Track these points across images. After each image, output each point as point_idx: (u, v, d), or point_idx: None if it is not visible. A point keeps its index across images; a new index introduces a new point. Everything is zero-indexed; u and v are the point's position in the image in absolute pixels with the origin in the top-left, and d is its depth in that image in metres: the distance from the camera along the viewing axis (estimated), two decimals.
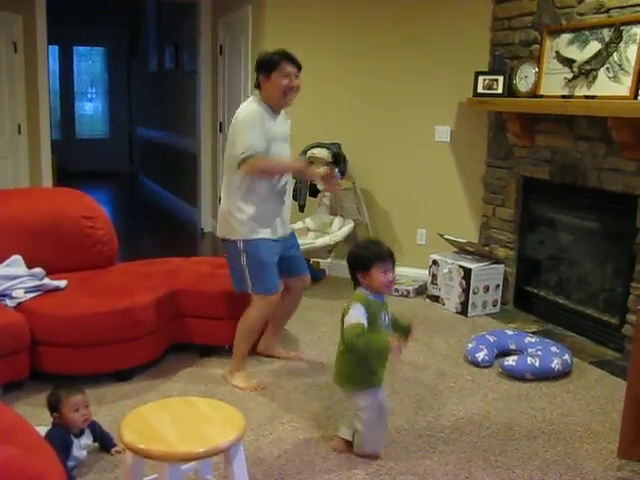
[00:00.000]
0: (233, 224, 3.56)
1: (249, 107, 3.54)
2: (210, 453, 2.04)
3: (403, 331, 2.96)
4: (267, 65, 3.52)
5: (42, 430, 2.65)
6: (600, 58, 4.11)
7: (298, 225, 5.38)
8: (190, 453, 2.02)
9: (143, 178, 11.85)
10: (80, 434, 2.79)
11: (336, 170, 3.82)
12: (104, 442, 2.91)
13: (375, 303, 2.83)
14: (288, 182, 3.71)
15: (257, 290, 3.56)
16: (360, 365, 2.85)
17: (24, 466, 1.58)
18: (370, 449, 2.94)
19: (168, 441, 2.03)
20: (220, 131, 7.25)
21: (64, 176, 8.99)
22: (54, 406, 2.77)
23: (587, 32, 4.22)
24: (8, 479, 1.53)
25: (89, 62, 12.61)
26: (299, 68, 3.55)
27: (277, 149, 3.56)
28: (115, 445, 2.89)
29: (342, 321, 2.83)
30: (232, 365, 3.70)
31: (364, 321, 2.75)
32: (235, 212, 3.54)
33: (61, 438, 2.69)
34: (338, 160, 5.27)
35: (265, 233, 3.55)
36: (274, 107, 3.57)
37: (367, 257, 2.84)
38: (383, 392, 2.96)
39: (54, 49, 11.58)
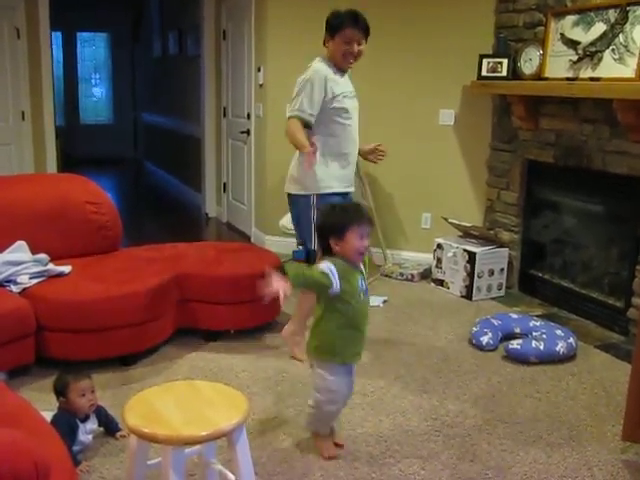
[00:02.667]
0: (304, 179, 3.59)
1: (314, 66, 3.58)
2: (213, 436, 2.05)
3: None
4: (332, 26, 3.56)
5: (48, 415, 2.66)
6: (605, 39, 4.08)
7: None
8: (194, 437, 2.02)
9: (148, 163, 11.85)
10: (86, 419, 2.80)
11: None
12: (109, 427, 2.93)
13: (350, 268, 2.63)
14: (353, 127, 3.69)
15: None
16: (329, 333, 2.69)
17: (29, 449, 1.58)
18: (313, 429, 2.89)
19: (172, 425, 2.04)
20: (224, 116, 7.24)
21: (69, 162, 9.00)
22: (60, 391, 2.78)
23: (592, 13, 4.19)
24: (13, 462, 1.54)
25: (93, 48, 12.57)
26: (366, 32, 3.57)
27: (350, 104, 3.63)
28: (120, 430, 2.91)
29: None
30: (292, 324, 3.73)
31: (328, 273, 2.55)
32: (297, 167, 3.61)
33: (67, 423, 2.70)
34: None
35: (335, 187, 3.60)
36: (339, 67, 3.61)
37: (342, 220, 2.61)
38: (348, 378, 2.79)
39: (57, 35, 11.56)
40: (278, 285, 2.50)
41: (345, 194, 3.72)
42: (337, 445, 2.88)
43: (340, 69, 3.63)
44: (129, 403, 2.19)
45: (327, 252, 2.68)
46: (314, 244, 3.58)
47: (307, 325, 3.65)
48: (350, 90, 3.68)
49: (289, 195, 3.73)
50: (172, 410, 2.12)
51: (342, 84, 3.62)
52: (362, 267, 2.76)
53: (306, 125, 3.54)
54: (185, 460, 2.16)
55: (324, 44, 3.64)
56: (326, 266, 2.58)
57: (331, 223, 2.67)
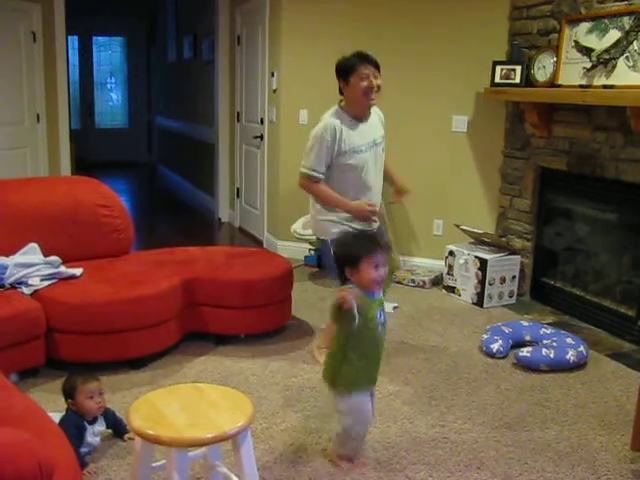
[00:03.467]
0: (321, 225, 3.69)
1: (326, 121, 3.58)
2: (218, 439, 2.05)
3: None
4: (344, 70, 3.55)
5: (56, 416, 2.68)
6: (620, 47, 4.05)
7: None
8: (198, 439, 2.03)
9: (162, 168, 11.91)
10: (94, 421, 2.81)
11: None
12: (117, 429, 2.94)
13: (368, 300, 2.58)
14: (368, 174, 3.67)
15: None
16: (343, 364, 2.65)
17: (33, 450, 1.59)
18: (344, 453, 2.80)
19: (176, 427, 2.04)
20: (238, 121, 7.27)
21: (83, 166, 9.06)
22: (69, 393, 2.80)
23: (607, 20, 4.17)
24: (16, 462, 1.55)
25: (108, 52, 12.66)
26: (377, 67, 3.56)
27: (363, 158, 3.61)
28: (128, 432, 2.91)
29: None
30: (320, 340, 3.70)
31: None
32: (320, 215, 3.68)
33: (75, 424, 2.72)
34: None
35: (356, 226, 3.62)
36: (358, 113, 3.61)
37: (355, 252, 2.57)
38: (368, 398, 2.74)
39: (73, 39, 11.65)
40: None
41: None
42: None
43: (360, 115, 3.62)
44: (134, 405, 2.19)
45: (343, 280, 2.63)
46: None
47: None
48: (366, 142, 3.63)
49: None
50: (177, 412, 2.13)
51: (357, 136, 3.59)
52: (381, 297, 2.71)
53: (316, 181, 3.61)
54: (189, 462, 2.16)
55: (340, 93, 3.62)
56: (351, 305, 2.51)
57: (344, 254, 2.64)
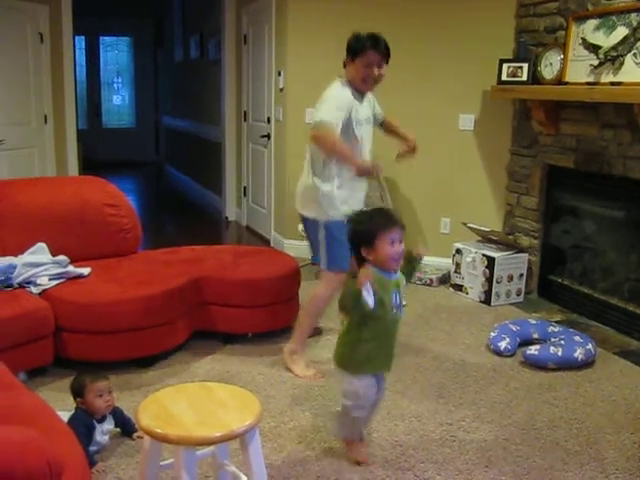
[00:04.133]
0: (313, 201, 3.57)
1: (338, 91, 3.50)
2: (226, 438, 2.05)
3: (411, 257, 2.69)
4: (354, 49, 3.49)
5: (65, 415, 2.68)
6: (627, 44, 4.04)
7: None
8: (206, 437, 2.03)
9: (169, 167, 11.93)
10: (102, 419, 2.82)
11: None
12: (126, 427, 2.95)
13: (383, 279, 2.53)
14: (364, 150, 3.63)
15: (331, 266, 3.55)
16: (354, 344, 2.64)
17: (42, 448, 1.60)
18: (342, 435, 2.83)
19: (184, 425, 2.04)
20: (244, 120, 7.27)
21: (91, 166, 9.08)
22: (78, 392, 2.81)
23: (614, 17, 4.15)
24: (26, 461, 1.55)
25: (115, 52, 12.69)
26: (386, 56, 3.51)
27: (361, 132, 3.56)
28: (136, 430, 2.92)
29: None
30: (294, 345, 3.71)
31: (365, 293, 2.42)
32: (314, 190, 3.55)
33: (84, 423, 2.72)
34: None
35: (344, 211, 3.49)
36: (357, 90, 3.56)
37: (369, 229, 2.51)
38: (376, 382, 2.71)
39: (81, 39, 11.68)
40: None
41: None
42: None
43: (359, 92, 3.57)
44: (143, 403, 2.20)
45: (362, 261, 2.56)
46: (322, 263, 3.60)
47: (306, 344, 3.74)
48: (366, 115, 3.61)
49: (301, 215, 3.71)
50: (185, 411, 2.13)
51: (361, 107, 3.57)
52: (401, 278, 2.64)
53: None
54: (197, 461, 2.17)
55: (344, 66, 3.58)
56: (365, 287, 2.44)
57: (359, 232, 2.57)
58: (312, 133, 3.42)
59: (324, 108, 3.45)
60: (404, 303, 4.73)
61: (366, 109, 3.65)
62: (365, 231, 2.54)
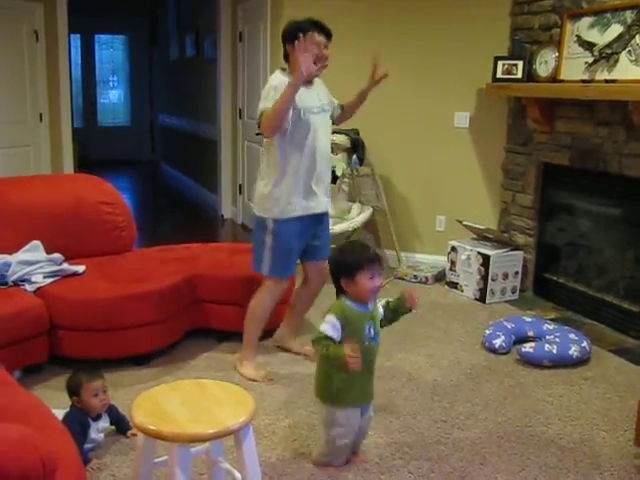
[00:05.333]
0: (263, 200, 3.45)
1: (275, 78, 3.34)
2: (220, 434, 2.05)
3: (401, 307, 2.74)
4: (293, 36, 3.30)
5: (59, 413, 2.68)
6: (622, 41, 4.04)
7: None
8: (200, 434, 2.03)
9: (164, 165, 11.92)
10: (97, 417, 2.83)
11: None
12: (120, 425, 2.95)
13: (356, 315, 2.60)
14: (319, 140, 3.43)
15: (272, 273, 3.50)
16: (331, 379, 2.63)
17: (36, 445, 1.60)
18: (322, 463, 2.76)
19: (178, 422, 2.05)
20: (240, 118, 7.27)
21: (86, 164, 9.07)
22: (73, 390, 2.81)
23: (609, 15, 4.16)
24: (21, 459, 1.55)
25: (110, 50, 12.66)
26: (329, 37, 3.38)
27: (313, 121, 3.37)
28: (131, 428, 2.92)
29: None
30: (243, 352, 3.65)
31: (333, 334, 2.54)
32: (264, 188, 3.44)
33: (79, 421, 2.73)
34: (356, 146, 5.26)
35: (295, 211, 3.41)
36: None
37: (352, 262, 2.59)
38: (357, 412, 2.68)
39: (76, 38, 11.64)
40: None
41: (314, 216, 3.52)
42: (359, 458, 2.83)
43: (307, 82, 3.34)
44: (136, 401, 2.20)
45: (339, 291, 2.65)
46: (262, 268, 3.49)
47: (255, 349, 3.66)
48: (317, 104, 3.43)
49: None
50: (179, 408, 2.13)
51: (306, 97, 3.36)
52: (377, 310, 2.70)
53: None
54: (191, 458, 2.16)
55: (284, 58, 3.43)
56: (330, 325, 2.55)
57: (341, 264, 2.64)
58: (262, 126, 3.29)
59: (262, 101, 3.29)
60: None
61: (316, 98, 3.45)
62: (347, 264, 2.60)
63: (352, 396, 2.65)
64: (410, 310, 2.76)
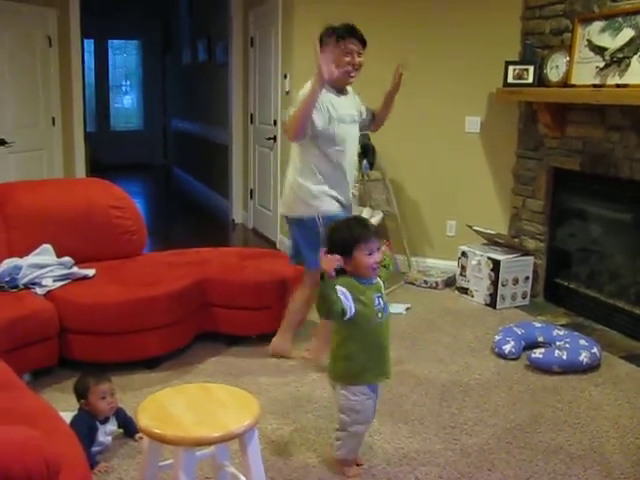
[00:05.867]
0: (298, 200, 3.53)
1: (307, 86, 3.39)
2: (224, 438, 2.05)
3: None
4: (328, 40, 3.43)
5: (67, 416, 2.69)
6: (633, 45, 4.02)
7: None
8: (204, 438, 2.03)
9: (176, 170, 11.96)
10: (105, 420, 2.83)
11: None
12: (128, 428, 2.95)
13: (362, 286, 2.53)
14: (346, 157, 3.54)
15: (311, 266, 3.48)
16: (346, 357, 2.59)
17: (40, 448, 1.60)
18: (342, 453, 2.70)
19: (183, 426, 2.05)
20: (251, 122, 7.28)
21: (99, 168, 9.12)
22: (81, 393, 2.82)
23: (620, 19, 4.14)
24: (24, 460, 1.56)
25: (124, 55, 12.75)
26: (364, 44, 3.45)
27: (343, 131, 3.46)
28: (139, 431, 2.92)
29: None
30: (281, 335, 3.80)
31: (344, 301, 2.46)
32: (298, 187, 3.51)
33: (87, 424, 2.73)
34: (367, 151, 5.26)
35: (326, 206, 3.48)
36: (337, 86, 3.47)
37: (348, 239, 2.51)
38: (371, 395, 2.64)
39: (89, 43, 11.73)
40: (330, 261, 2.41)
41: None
42: (357, 464, 2.78)
43: (339, 88, 3.48)
44: (142, 404, 2.20)
45: (340, 272, 2.53)
46: (312, 263, 3.42)
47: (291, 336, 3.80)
48: (349, 114, 3.52)
49: (287, 217, 3.68)
50: (184, 411, 2.13)
51: (340, 106, 3.46)
52: (380, 282, 2.65)
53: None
54: (196, 462, 2.17)
55: None
56: (340, 291, 2.47)
57: (337, 243, 2.55)
58: (287, 132, 3.42)
59: (290, 107, 3.41)
60: (408, 306, 4.75)
61: (348, 107, 3.54)
62: (344, 241, 2.53)
63: (372, 373, 2.60)
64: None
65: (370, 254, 2.52)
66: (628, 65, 4.04)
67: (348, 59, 3.41)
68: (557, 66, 4.59)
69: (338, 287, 2.47)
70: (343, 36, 3.40)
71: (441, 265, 5.51)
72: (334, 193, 3.52)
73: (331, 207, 3.50)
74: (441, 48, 5.39)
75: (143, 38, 12.55)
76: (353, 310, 2.49)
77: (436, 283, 5.27)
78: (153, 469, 2.23)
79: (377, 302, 2.57)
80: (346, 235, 2.55)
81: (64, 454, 1.82)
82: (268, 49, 6.52)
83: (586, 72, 4.35)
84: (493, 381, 3.65)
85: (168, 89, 12.55)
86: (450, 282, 5.29)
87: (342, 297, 2.46)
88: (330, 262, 2.41)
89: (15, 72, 6.05)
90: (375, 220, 5.32)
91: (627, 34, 4.06)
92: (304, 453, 2.88)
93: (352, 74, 3.45)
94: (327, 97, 3.40)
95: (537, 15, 4.91)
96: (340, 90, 3.51)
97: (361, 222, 2.67)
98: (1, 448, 1.55)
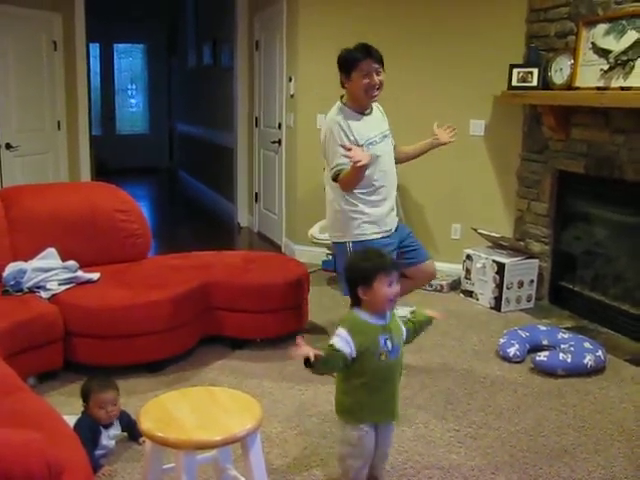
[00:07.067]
0: (340, 225, 3.60)
1: (331, 120, 3.51)
2: (226, 441, 2.06)
3: (424, 325, 2.71)
4: (346, 65, 3.47)
5: (71, 419, 2.70)
6: (637, 48, 4.01)
7: None
8: (206, 441, 2.04)
9: (182, 173, 11.98)
10: (109, 424, 2.83)
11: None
12: (132, 432, 2.95)
13: (370, 327, 2.45)
14: (386, 165, 3.61)
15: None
16: (346, 394, 2.52)
17: (42, 450, 1.61)
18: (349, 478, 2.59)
19: (185, 429, 2.05)
20: (256, 126, 7.30)
21: (104, 171, 9.15)
22: (84, 397, 2.83)
23: (624, 21, 4.13)
24: (26, 463, 1.57)
25: (129, 59, 12.78)
26: (381, 62, 3.48)
27: (378, 149, 3.53)
28: (142, 435, 2.93)
29: None
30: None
31: (343, 346, 2.38)
32: (341, 213, 3.57)
33: (90, 428, 2.74)
34: None
35: (372, 230, 3.55)
36: (360, 107, 3.54)
37: (370, 268, 2.45)
38: (374, 432, 2.52)
39: (95, 47, 11.77)
40: (305, 350, 2.32)
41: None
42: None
43: (363, 109, 3.55)
44: (145, 407, 2.21)
45: (355, 301, 2.52)
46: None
47: None
48: (376, 133, 3.57)
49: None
50: (186, 415, 2.14)
51: (365, 129, 3.52)
52: (396, 322, 2.56)
53: None
54: (199, 465, 2.17)
55: (342, 86, 3.55)
56: (340, 338, 2.40)
57: (358, 271, 2.50)
58: (339, 187, 3.49)
59: (330, 156, 3.48)
60: (413, 309, 4.72)
61: (375, 126, 3.60)
62: (365, 271, 2.47)
63: (370, 413, 2.51)
64: (430, 321, 2.72)
65: (390, 285, 2.45)
66: (632, 68, 4.03)
67: (367, 81, 3.44)
68: (561, 69, 4.59)
69: (340, 330, 2.42)
70: (359, 58, 3.43)
71: (446, 268, 5.49)
72: (372, 217, 3.55)
73: (366, 234, 3.54)
74: (445, 51, 5.39)
75: (149, 42, 12.58)
76: (354, 354, 2.41)
77: (441, 286, 5.27)
78: (156, 472, 2.24)
79: (382, 343, 2.46)
80: (368, 264, 2.49)
81: (67, 457, 1.83)
82: (273, 52, 6.53)
83: (590, 75, 4.34)
84: (497, 384, 3.64)
85: (173, 92, 12.58)
86: (455, 285, 5.28)
87: (342, 344, 2.39)
88: (301, 350, 2.31)
89: (21, 76, 6.08)
90: None
91: (631, 37, 4.06)
92: (308, 457, 2.88)
93: (374, 93, 3.50)
94: (351, 126, 3.47)
95: (541, 18, 4.91)
96: (362, 111, 3.56)
97: (380, 253, 2.63)
98: (3, 450, 1.56)
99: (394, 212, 3.72)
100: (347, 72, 3.46)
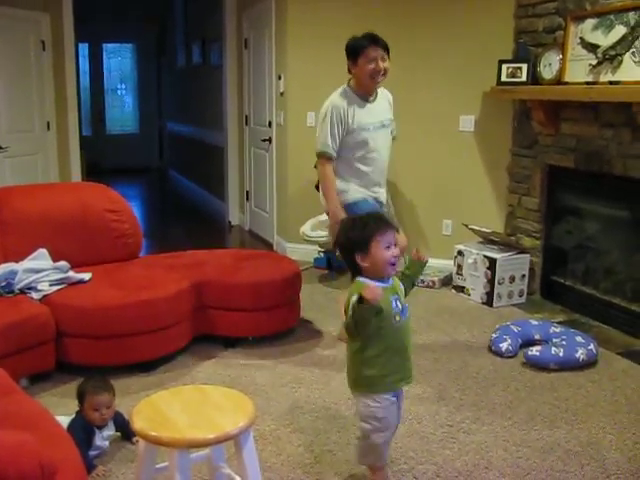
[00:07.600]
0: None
1: (331, 99, 3.73)
2: (219, 440, 2.05)
3: (414, 268, 2.60)
4: (353, 52, 3.67)
5: (64, 420, 2.70)
6: (625, 43, 4.03)
7: (323, 217, 5.38)
8: (199, 439, 2.04)
9: (172, 172, 11.97)
10: (103, 425, 2.83)
11: None
12: (126, 432, 2.95)
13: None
14: (378, 153, 3.81)
15: None
16: (366, 364, 2.44)
17: (35, 451, 1.61)
18: (366, 462, 2.59)
19: (178, 428, 2.05)
20: (246, 124, 7.29)
21: (95, 172, 9.13)
22: (79, 398, 2.83)
23: (612, 16, 4.14)
24: (19, 463, 1.56)
25: (119, 59, 12.74)
26: (386, 50, 3.67)
27: (369, 137, 3.73)
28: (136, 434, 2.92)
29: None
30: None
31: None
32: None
33: (83, 428, 2.74)
34: None
35: (362, 193, 3.78)
36: (365, 93, 3.74)
37: (365, 233, 2.35)
38: (393, 402, 2.49)
39: (84, 46, 11.73)
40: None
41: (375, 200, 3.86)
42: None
43: (367, 94, 3.74)
44: (137, 407, 2.21)
45: (356, 271, 2.41)
46: None
47: None
48: (372, 121, 3.75)
49: None
50: (179, 414, 2.14)
51: (365, 114, 3.72)
52: (397, 283, 2.49)
53: (329, 158, 3.72)
54: (193, 464, 2.17)
55: (349, 72, 3.74)
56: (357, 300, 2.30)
57: (352, 238, 2.39)
58: (317, 161, 3.80)
59: (321, 133, 3.71)
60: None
61: (375, 114, 3.76)
62: (359, 236, 2.37)
63: (393, 379, 2.45)
64: (424, 264, 2.62)
65: (388, 247, 2.35)
66: (620, 62, 4.05)
67: (372, 66, 3.62)
68: (550, 64, 4.60)
69: (353, 297, 2.31)
70: (365, 45, 3.62)
71: (437, 264, 5.50)
72: (361, 189, 3.78)
73: (354, 196, 3.76)
74: (434, 47, 5.40)
75: (138, 41, 12.54)
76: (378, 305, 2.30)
77: (432, 282, 5.28)
78: (149, 472, 2.23)
79: (394, 305, 2.41)
80: (361, 228, 2.39)
81: (60, 458, 1.83)
82: (262, 50, 6.52)
83: (579, 70, 4.36)
84: (490, 379, 3.65)
85: (163, 92, 12.55)
86: (447, 281, 5.29)
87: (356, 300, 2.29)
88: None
89: (9, 77, 6.05)
90: None
91: (619, 31, 4.07)
92: (302, 454, 2.88)
93: (378, 79, 3.70)
94: (349, 111, 3.68)
95: (530, 13, 4.92)
96: (366, 96, 3.76)
97: (376, 215, 2.55)
98: None
99: (381, 196, 3.92)
100: (354, 58, 3.66)
